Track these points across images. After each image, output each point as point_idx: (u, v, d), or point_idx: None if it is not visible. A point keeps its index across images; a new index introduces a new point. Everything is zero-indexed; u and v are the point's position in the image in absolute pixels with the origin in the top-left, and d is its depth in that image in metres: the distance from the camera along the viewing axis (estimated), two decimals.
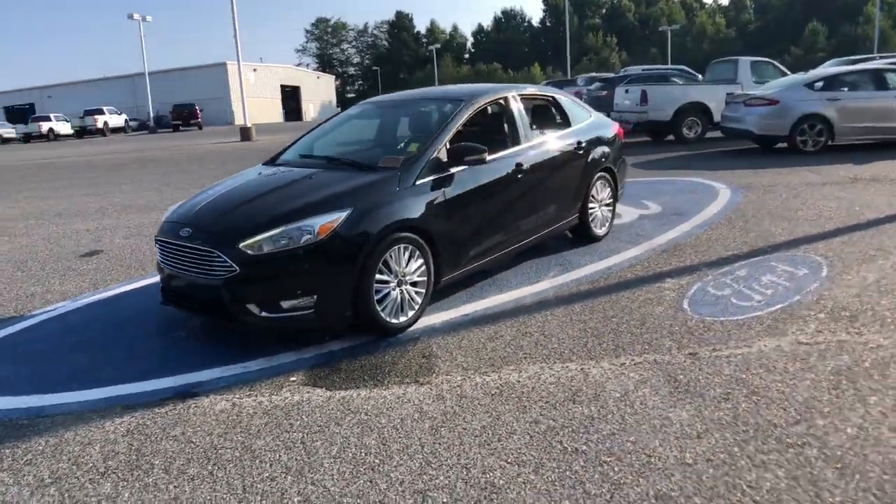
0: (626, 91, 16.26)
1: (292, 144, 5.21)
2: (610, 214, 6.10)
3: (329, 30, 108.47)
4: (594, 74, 27.56)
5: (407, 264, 3.91)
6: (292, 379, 3.42)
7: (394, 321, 3.88)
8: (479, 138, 4.53)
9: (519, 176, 4.76)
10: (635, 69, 24.62)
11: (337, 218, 3.62)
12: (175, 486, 2.50)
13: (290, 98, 70.20)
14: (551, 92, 5.80)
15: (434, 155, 4.19)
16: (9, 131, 42.42)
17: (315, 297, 3.58)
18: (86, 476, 2.61)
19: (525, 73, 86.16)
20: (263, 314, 3.56)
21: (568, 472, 2.44)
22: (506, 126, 4.96)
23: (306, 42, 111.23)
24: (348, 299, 3.64)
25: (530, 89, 5.52)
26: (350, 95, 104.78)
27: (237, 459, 2.67)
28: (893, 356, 3.31)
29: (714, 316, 3.99)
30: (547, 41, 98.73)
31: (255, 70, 59.22)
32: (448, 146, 4.27)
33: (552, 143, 5.30)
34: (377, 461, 2.61)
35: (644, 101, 15.41)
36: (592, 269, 5.14)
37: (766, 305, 4.13)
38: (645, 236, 6.06)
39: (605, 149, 5.92)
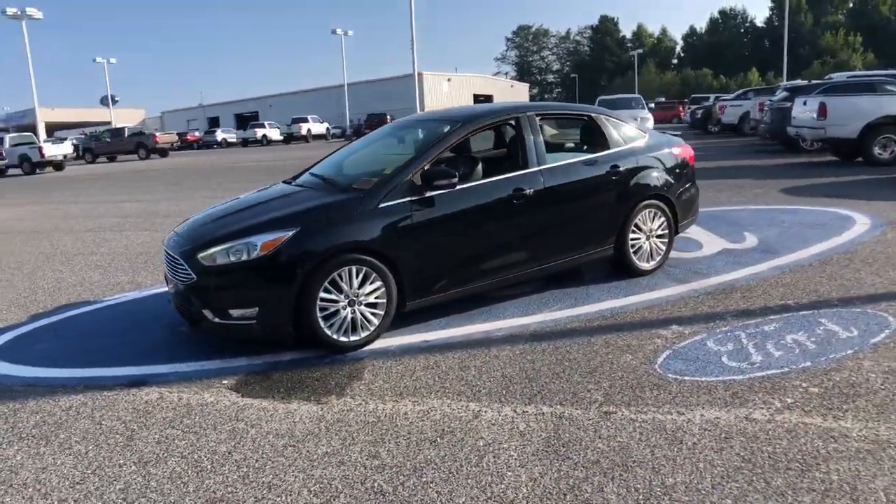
0: (805, 103, 14.37)
1: (322, 160, 5.55)
2: (664, 247, 5.56)
3: (530, 37, 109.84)
4: (797, 82, 24.65)
5: (361, 286, 4.03)
6: (224, 381, 3.73)
7: (343, 339, 4.02)
8: (473, 162, 4.48)
9: (517, 201, 4.60)
10: (840, 76, 21.50)
11: (281, 237, 3.86)
12: (53, 459, 2.93)
13: None
14: (587, 111, 5.46)
15: (407, 178, 4.24)
16: (231, 136, 49.51)
17: (257, 308, 3.86)
18: (4, 438, 3.15)
19: (740, 78, 79.24)
20: (216, 320, 3.93)
21: None
22: (510, 149, 4.81)
23: (506, 50, 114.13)
24: (289, 314, 3.87)
25: (557, 109, 5.27)
26: None
27: (114, 443, 3.04)
28: (856, 459, 2.69)
29: (681, 374, 3.54)
30: (771, 43, 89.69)
31: (448, 80, 62.13)
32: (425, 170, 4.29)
33: (577, 167, 5.02)
34: (210, 467, 2.80)
35: (822, 114, 13.48)
36: (602, 306, 4.78)
37: (756, 369, 3.55)
38: (702, 274, 5.45)
39: (658, 174, 5.43)
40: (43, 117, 68.47)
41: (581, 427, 3.00)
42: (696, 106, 32.29)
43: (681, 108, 42.88)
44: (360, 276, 4.02)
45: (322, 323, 3.94)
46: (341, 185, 4.45)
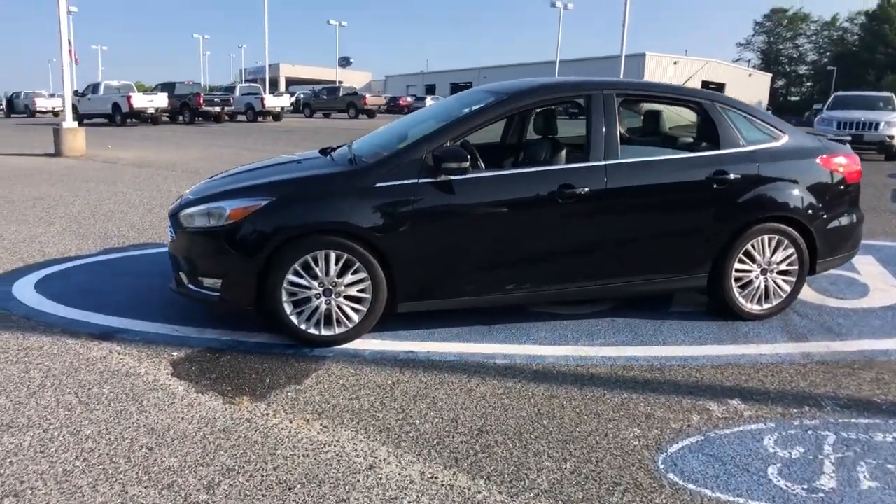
0: None
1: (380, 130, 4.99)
2: (788, 287, 4.17)
3: (784, 22, 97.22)
4: None
5: (340, 275, 3.46)
6: (174, 353, 3.44)
7: (312, 331, 3.51)
8: (515, 146, 3.63)
9: (564, 201, 3.65)
10: None
11: (251, 206, 3.41)
12: None
13: None
14: (696, 96, 4.17)
15: (417, 156, 3.53)
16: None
17: (221, 281, 3.49)
18: None
19: None
20: (190, 286, 3.64)
21: None
22: (573, 139, 3.84)
23: (752, 35, 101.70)
24: (250, 292, 3.44)
25: (650, 89, 4.11)
26: (793, 98, 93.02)
27: (24, 394, 2.87)
28: None
29: (687, 478, 2.47)
30: None
31: (675, 63, 57.41)
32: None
33: (662, 167, 3.89)
34: (70, 436, 2.49)
35: None
36: (659, 352, 3.67)
37: (814, 501, 2.36)
38: (836, 334, 4.00)
39: (790, 190, 4.05)
40: (285, 73, 77.36)
41: (468, 500, 2.16)
42: None
43: None
44: (340, 263, 3.45)
45: (288, 309, 3.46)
46: (353, 158, 3.86)
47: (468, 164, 3.43)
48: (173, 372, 3.22)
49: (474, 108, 3.75)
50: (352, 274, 3.48)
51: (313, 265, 3.43)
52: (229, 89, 35.30)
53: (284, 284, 3.42)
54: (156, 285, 4.47)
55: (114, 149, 15.59)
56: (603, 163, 3.76)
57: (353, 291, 3.51)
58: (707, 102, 4.13)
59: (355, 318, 3.55)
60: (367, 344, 3.60)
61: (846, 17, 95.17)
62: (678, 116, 5.22)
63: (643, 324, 4.07)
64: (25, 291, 4.36)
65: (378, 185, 3.47)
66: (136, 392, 2.99)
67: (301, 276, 3.43)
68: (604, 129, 3.81)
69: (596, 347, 3.69)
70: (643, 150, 4.07)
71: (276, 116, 32.00)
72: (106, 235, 6.12)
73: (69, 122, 13.96)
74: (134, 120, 27.46)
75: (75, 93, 31.20)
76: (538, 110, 4.23)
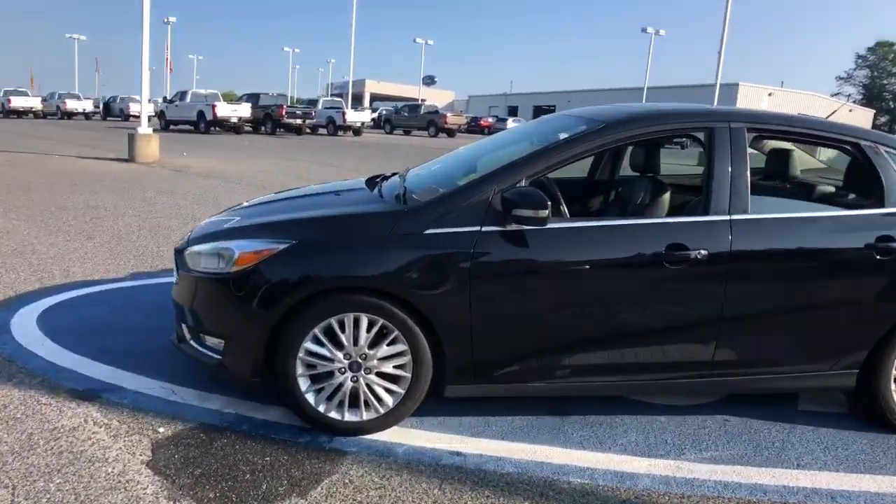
0: None
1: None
2: None
3: (890, 56, 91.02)
4: None
5: (372, 345, 2.67)
6: (160, 430, 2.73)
7: (333, 416, 2.72)
8: (608, 186, 2.77)
9: (673, 266, 2.73)
10: None
11: (266, 249, 2.67)
12: None
13: None
14: (852, 134, 3.12)
15: (481, 197, 2.71)
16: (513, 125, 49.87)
17: (223, 342, 2.76)
18: None
19: None
20: (192, 343, 2.93)
21: None
22: (682, 178, 2.92)
23: (854, 69, 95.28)
24: (255, 361, 2.69)
25: (790, 123, 3.10)
26: None
27: None
28: None
29: None
30: None
31: (770, 94, 54.34)
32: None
33: (807, 226, 2.91)
34: None
35: None
36: (791, 480, 2.67)
37: None
38: None
39: None
40: (370, 88, 78.64)
41: None
42: None
43: None
44: (373, 330, 2.66)
45: (303, 385, 2.70)
46: (402, 194, 3.05)
47: (547, 211, 2.57)
48: (150, 460, 2.50)
49: (560, 138, 2.89)
50: (388, 345, 2.68)
51: (338, 331, 2.65)
52: (312, 102, 35.77)
53: (301, 354, 2.66)
54: (169, 326, 3.81)
55: (188, 156, 15.61)
56: (727, 217, 2.82)
57: (388, 367, 2.71)
58: (869, 145, 3.10)
59: (389, 401, 2.74)
60: (403, 435, 2.78)
61: None
62: (808, 157, 4.21)
63: (766, 429, 3.07)
64: (25, 324, 3.80)
65: (429, 231, 2.66)
66: (90, 492, 2.28)
67: (322, 345, 2.66)
68: (730, 173, 2.87)
69: (706, 465, 2.73)
70: (774, 203, 3.10)
71: (356, 131, 32.06)
72: (142, 255, 5.61)
73: (144, 128, 14.01)
74: (217, 128, 28.04)
75: (164, 99, 32.53)
76: (642, 143, 3.30)
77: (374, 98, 72.51)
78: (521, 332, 2.75)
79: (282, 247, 2.66)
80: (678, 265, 2.73)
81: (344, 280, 2.63)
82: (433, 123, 37.11)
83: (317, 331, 2.64)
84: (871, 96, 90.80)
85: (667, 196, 3.20)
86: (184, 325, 2.97)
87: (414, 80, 63.45)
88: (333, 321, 2.64)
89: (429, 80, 74.15)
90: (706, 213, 2.83)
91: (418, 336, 2.67)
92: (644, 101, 42.35)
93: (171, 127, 29.17)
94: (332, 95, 48.68)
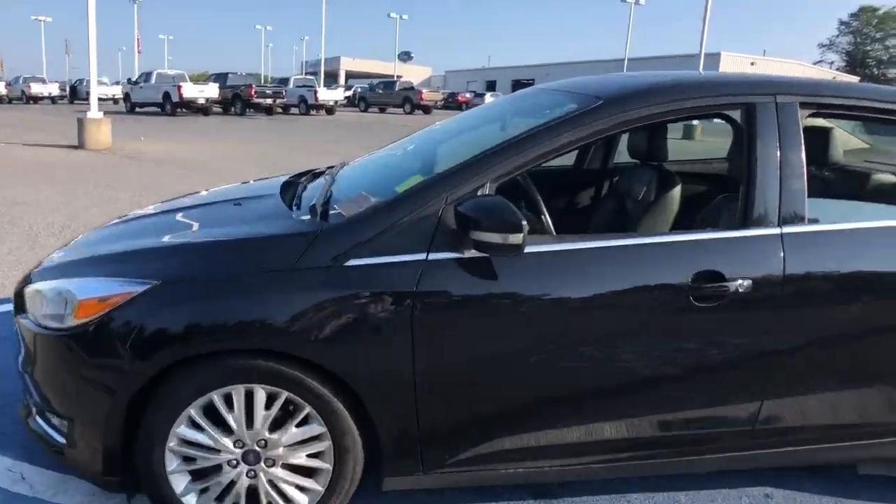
0: None
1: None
2: None
3: (874, 22, 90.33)
4: None
5: (276, 427, 1.87)
6: None
7: None
8: (599, 178, 1.96)
9: (703, 303, 1.93)
10: None
11: (117, 294, 1.83)
12: None
13: None
14: None
15: (426, 211, 1.88)
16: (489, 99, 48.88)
17: (68, 423, 1.93)
18: None
19: None
20: (37, 419, 2.09)
21: None
22: (711, 176, 2.13)
23: (836, 36, 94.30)
24: (110, 453, 1.87)
25: (857, 94, 2.26)
26: None
27: None
28: None
29: None
30: None
31: (752, 63, 53.45)
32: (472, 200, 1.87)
33: (887, 239, 2.11)
34: None
35: None
36: None
37: None
38: None
39: None
40: (345, 66, 76.72)
41: None
42: None
43: None
44: (275, 407, 1.85)
45: (177, 485, 1.89)
46: (320, 207, 2.18)
47: (522, 235, 1.75)
48: None
49: (542, 122, 2.04)
50: (297, 427, 1.88)
51: (224, 410, 1.84)
52: (283, 81, 34.46)
53: (171, 443, 1.85)
54: None
55: (147, 141, 14.55)
56: (777, 230, 2.01)
57: (299, 457, 1.91)
58: None
59: (303, 502, 1.94)
60: None
61: None
62: (847, 135, 3.42)
63: None
64: None
65: (353, 263, 1.83)
66: None
67: (201, 430, 1.85)
68: (779, 168, 2.05)
69: None
70: (832, 206, 2.33)
71: (329, 110, 30.87)
72: None
73: (94, 112, 12.90)
74: (184, 110, 26.76)
75: (128, 80, 31.08)
76: (656, 124, 2.45)
77: (350, 76, 70.65)
78: (486, 398, 1.95)
79: (138, 290, 1.82)
80: (710, 302, 1.93)
81: (227, 337, 1.80)
82: (409, 100, 35.94)
83: (192, 411, 1.83)
84: (854, 63, 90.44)
85: (676, 190, 2.42)
86: (27, 397, 2.13)
87: (390, 57, 61.91)
88: (216, 396, 1.82)
89: (405, 57, 72.39)
90: (746, 226, 2.02)
91: (340, 413, 1.86)
92: (625, 70, 41.33)
93: (137, 109, 27.86)
94: (306, 74, 47.20)
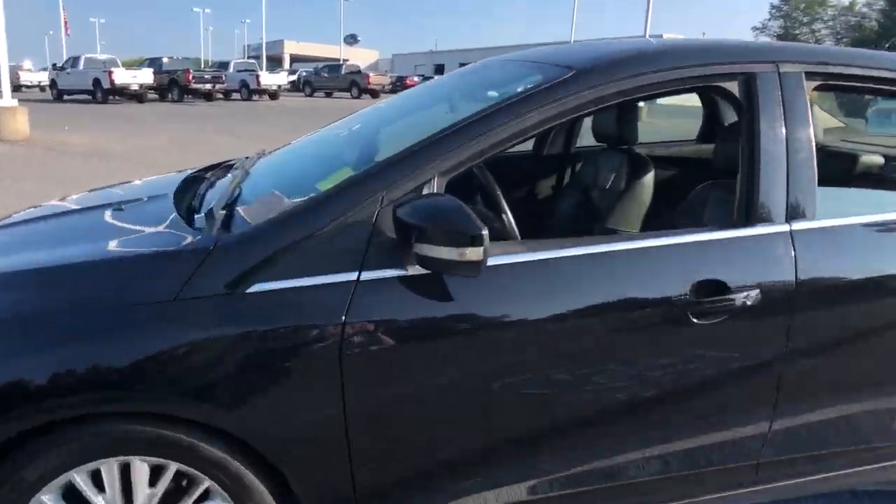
0: None
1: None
2: None
3: (801, 6, 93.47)
4: None
5: None
6: None
7: None
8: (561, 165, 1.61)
9: (702, 321, 1.56)
10: None
11: None
12: None
13: None
14: None
15: (358, 216, 1.45)
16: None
17: None
18: None
19: None
20: None
21: None
22: (700, 164, 1.79)
23: (768, 20, 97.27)
24: None
25: (874, 63, 1.92)
26: None
27: None
28: None
29: None
30: None
31: None
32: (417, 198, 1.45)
33: None
34: None
35: None
36: None
37: None
38: None
39: None
40: (290, 50, 74.66)
41: None
42: None
43: None
44: (163, 482, 1.40)
45: None
46: (219, 213, 1.71)
47: (482, 249, 1.34)
48: None
49: (502, 100, 1.61)
50: (192, 501, 1.43)
51: (90, 493, 1.37)
52: (223, 65, 33.02)
53: None
54: None
55: (71, 131, 13.52)
56: (786, 227, 1.66)
57: None
58: None
59: None
60: None
61: (864, 2, 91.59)
62: (823, 113, 3.16)
63: None
64: None
65: (256, 288, 1.38)
66: None
67: None
68: (784, 150, 1.70)
69: None
70: (860, 199, 2.00)
71: (273, 95, 29.73)
72: None
73: (7, 100, 11.85)
74: (117, 97, 25.26)
75: (54, 66, 29.18)
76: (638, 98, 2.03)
77: (295, 59, 68.67)
78: (441, 448, 1.55)
79: None
80: (713, 318, 1.56)
81: (90, 395, 1.33)
82: (356, 84, 35.01)
83: (45, 498, 1.35)
84: None
85: (649, 176, 2.07)
86: None
87: (336, 41, 60.36)
88: (77, 477, 1.36)
89: (351, 40, 70.90)
90: (748, 223, 1.66)
91: (252, 486, 1.42)
92: None
93: (66, 97, 26.15)
94: (248, 58, 45.55)
